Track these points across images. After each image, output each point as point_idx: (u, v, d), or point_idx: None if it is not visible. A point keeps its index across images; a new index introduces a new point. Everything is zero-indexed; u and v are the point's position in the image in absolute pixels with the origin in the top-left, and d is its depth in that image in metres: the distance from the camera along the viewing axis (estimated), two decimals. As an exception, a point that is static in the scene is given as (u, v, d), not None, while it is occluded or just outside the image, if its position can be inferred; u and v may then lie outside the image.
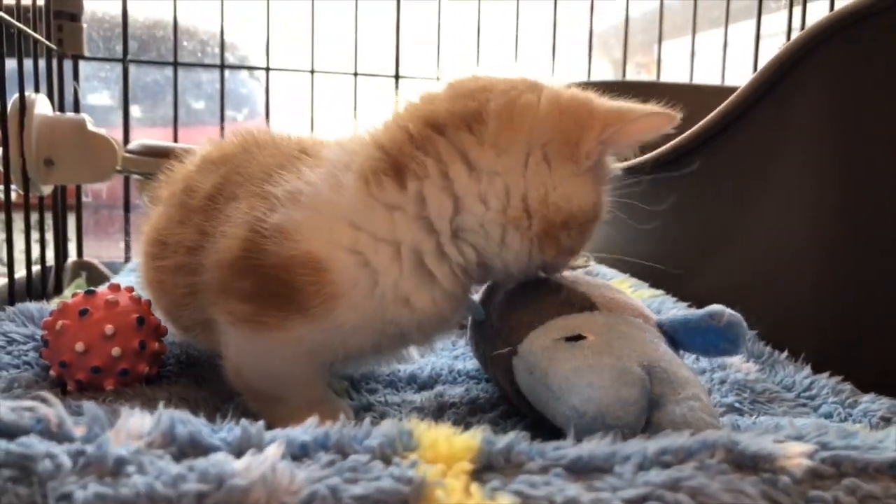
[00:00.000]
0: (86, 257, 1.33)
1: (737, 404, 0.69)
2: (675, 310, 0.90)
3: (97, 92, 1.99)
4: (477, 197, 0.58)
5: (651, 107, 0.60)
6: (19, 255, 1.03)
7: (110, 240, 1.71)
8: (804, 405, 0.70)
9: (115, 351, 0.66)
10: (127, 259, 1.36)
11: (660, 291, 0.97)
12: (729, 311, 0.60)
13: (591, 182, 0.60)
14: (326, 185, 0.59)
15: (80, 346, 0.66)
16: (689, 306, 0.91)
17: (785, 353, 0.79)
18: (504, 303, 0.67)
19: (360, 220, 0.57)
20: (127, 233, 1.38)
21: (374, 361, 0.76)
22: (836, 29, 0.73)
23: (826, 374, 0.73)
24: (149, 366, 0.69)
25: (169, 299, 0.71)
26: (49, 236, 1.23)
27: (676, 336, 0.61)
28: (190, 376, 0.73)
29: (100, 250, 1.52)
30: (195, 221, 0.66)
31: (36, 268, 1.12)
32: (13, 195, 1.03)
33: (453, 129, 0.58)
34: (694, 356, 0.78)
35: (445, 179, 0.58)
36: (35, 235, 1.11)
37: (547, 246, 0.59)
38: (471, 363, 0.81)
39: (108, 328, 0.67)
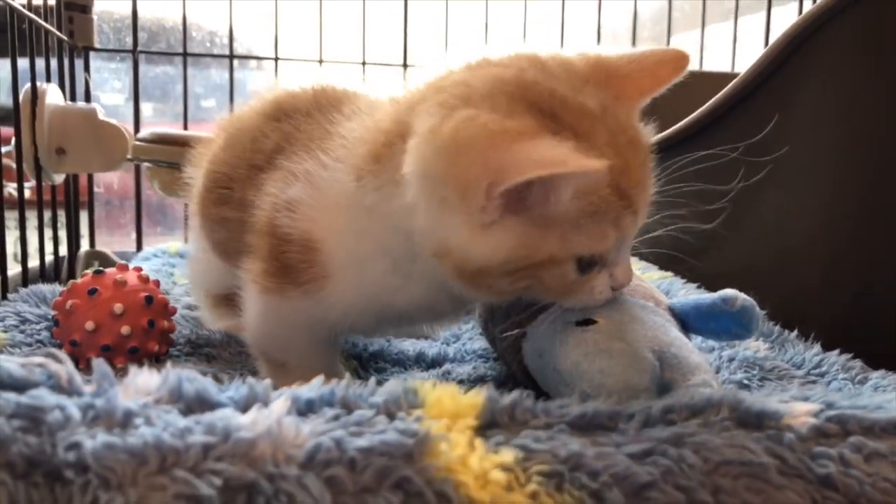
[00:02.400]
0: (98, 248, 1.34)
1: (745, 381, 0.69)
2: (684, 291, 0.89)
3: (110, 92, 2.02)
4: (417, 228, 0.52)
5: (566, 161, 0.44)
6: (33, 252, 1.04)
7: (122, 231, 1.72)
8: (814, 382, 0.69)
9: (125, 329, 0.67)
10: (138, 249, 1.37)
11: (669, 273, 0.96)
12: (742, 295, 0.59)
13: (507, 230, 0.48)
14: (332, 168, 0.59)
15: (90, 325, 0.67)
16: (699, 287, 0.91)
17: (795, 332, 0.79)
18: None
19: (346, 211, 0.56)
20: (138, 223, 1.39)
21: (391, 335, 0.77)
22: (846, 3, 0.73)
23: (836, 352, 0.72)
24: (158, 344, 0.70)
25: (230, 238, 0.71)
26: (62, 230, 1.24)
27: (688, 320, 0.61)
28: (200, 355, 0.74)
29: (112, 244, 1.53)
30: (253, 185, 0.67)
31: (49, 258, 1.13)
32: (27, 190, 1.05)
33: (397, 143, 0.52)
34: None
35: (394, 191, 0.52)
36: (48, 227, 1.12)
37: (477, 288, 0.52)
38: (478, 343, 0.81)
39: (117, 307, 0.67)
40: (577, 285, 0.52)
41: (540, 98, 0.50)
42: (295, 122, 0.68)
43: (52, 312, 0.71)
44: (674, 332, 0.56)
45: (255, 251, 0.62)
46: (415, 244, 0.53)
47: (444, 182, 0.48)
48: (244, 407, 0.38)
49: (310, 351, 0.64)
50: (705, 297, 0.60)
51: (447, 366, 0.73)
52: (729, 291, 0.59)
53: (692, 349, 0.55)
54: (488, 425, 0.38)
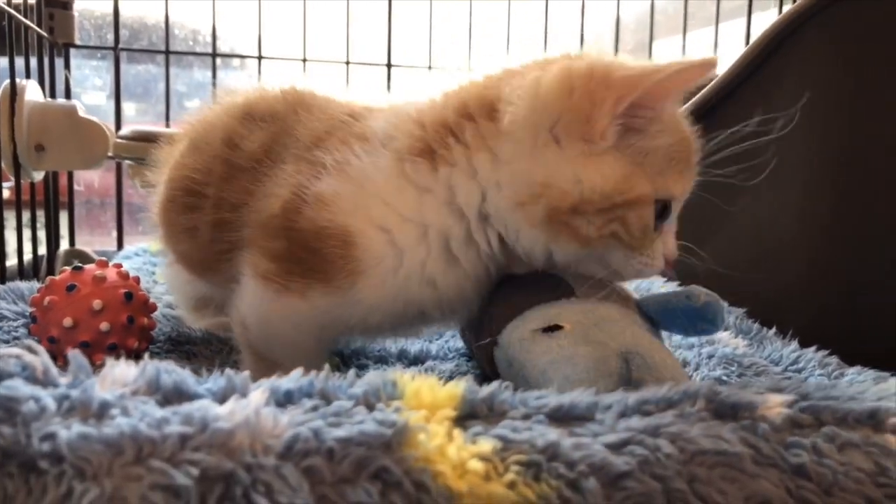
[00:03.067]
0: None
1: (724, 377, 0.69)
2: (664, 291, 0.90)
3: (91, 91, 2.00)
4: (496, 184, 0.57)
5: (678, 61, 0.53)
6: (11, 252, 1.03)
7: (103, 230, 1.71)
8: (790, 378, 0.70)
9: (104, 326, 0.66)
10: (119, 248, 1.36)
11: (649, 273, 0.97)
12: (705, 291, 0.59)
13: (616, 160, 0.54)
14: (369, 159, 0.59)
15: (68, 322, 0.66)
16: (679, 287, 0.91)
17: (773, 330, 0.80)
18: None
19: (392, 198, 0.57)
20: (119, 222, 1.38)
21: (396, 336, 0.77)
22: (825, 3, 0.74)
23: (813, 349, 0.73)
24: (138, 341, 0.69)
25: (198, 247, 0.71)
26: (42, 231, 1.23)
27: (656, 317, 0.61)
28: (180, 352, 0.73)
29: (93, 243, 1.52)
30: (243, 182, 0.66)
31: (28, 257, 1.12)
32: (6, 190, 1.04)
33: (479, 117, 0.57)
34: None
35: (472, 168, 0.57)
36: (27, 227, 1.11)
37: (560, 234, 0.56)
38: (461, 341, 0.81)
39: (96, 303, 0.67)
40: (648, 240, 0.57)
41: None
42: (282, 122, 0.68)
43: (30, 309, 0.70)
44: (641, 331, 0.56)
45: (265, 250, 0.60)
46: (474, 213, 0.57)
47: (560, 116, 0.54)
48: (222, 398, 0.37)
49: (310, 352, 0.63)
50: (670, 293, 0.61)
51: (429, 363, 0.74)
52: (693, 288, 0.60)
53: (660, 347, 0.55)
54: (467, 416, 0.39)
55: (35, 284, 0.83)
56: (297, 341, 0.62)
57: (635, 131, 0.55)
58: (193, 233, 0.72)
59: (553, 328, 0.55)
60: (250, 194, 0.64)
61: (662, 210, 0.57)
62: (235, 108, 0.73)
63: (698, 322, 0.59)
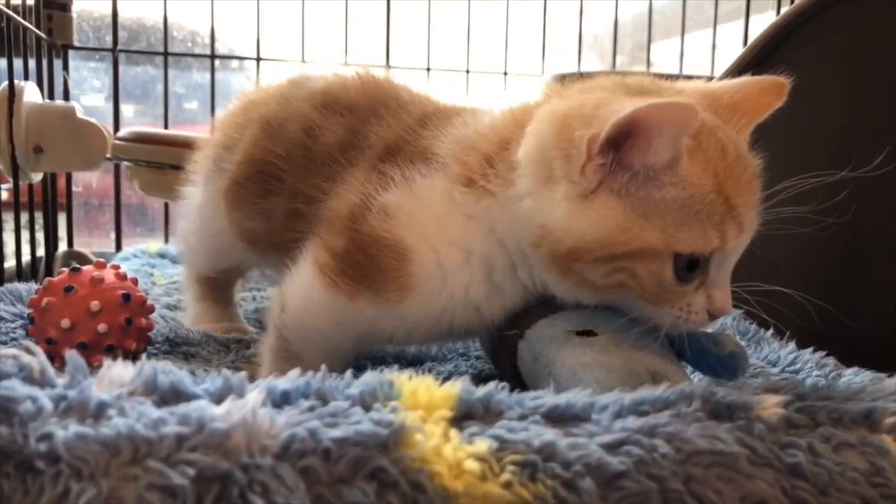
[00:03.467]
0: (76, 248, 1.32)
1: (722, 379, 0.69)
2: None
3: (90, 93, 2.01)
4: (520, 220, 0.55)
5: (650, 100, 0.48)
6: (9, 255, 1.03)
7: (101, 232, 1.71)
8: (788, 379, 0.70)
9: (102, 327, 0.66)
10: (118, 249, 1.36)
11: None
12: (735, 341, 0.57)
13: (609, 208, 0.51)
14: (428, 180, 0.59)
15: (65, 323, 0.66)
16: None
17: (770, 331, 0.80)
18: None
19: (443, 220, 0.58)
20: (118, 224, 1.38)
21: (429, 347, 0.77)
22: (822, 6, 0.74)
23: (810, 350, 0.73)
24: (136, 342, 0.69)
25: (270, 228, 0.72)
26: (40, 233, 1.23)
27: (678, 345, 0.59)
28: (178, 353, 0.73)
29: (91, 244, 1.52)
30: (318, 177, 0.66)
31: (26, 258, 1.12)
32: (5, 192, 1.04)
33: (514, 148, 0.56)
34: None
35: (507, 201, 0.56)
36: (25, 228, 1.11)
37: (567, 278, 0.54)
38: (459, 343, 0.81)
39: (94, 304, 0.67)
40: (673, 295, 0.53)
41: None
42: (360, 117, 0.68)
43: (28, 311, 0.70)
44: (669, 355, 0.56)
45: (326, 244, 0.61)
46: (514, 247, 0.56)
47: (553, 152, 0.52)
48: (219, 398, 0.38)
49: (338, 353, 0.63)
50: (699, 333, 0.57)
51: (428, 364, 0.74)
52: (723, 336, 0.58)
53: (684, 374, 0.54)
54: (463, 416, 0.39)
55: (33, 286, 0.83)
56: (331, 339, 0.63)
57: (640, 178, 0.51)
58: (268, 215, 0.72)
59: (587, 333, 0.55)
60: (324, 192, 0.65)
61: (690, 264, 0.52)
62: (315, 94, 0.73)
63: (717, 368, 0.58)
